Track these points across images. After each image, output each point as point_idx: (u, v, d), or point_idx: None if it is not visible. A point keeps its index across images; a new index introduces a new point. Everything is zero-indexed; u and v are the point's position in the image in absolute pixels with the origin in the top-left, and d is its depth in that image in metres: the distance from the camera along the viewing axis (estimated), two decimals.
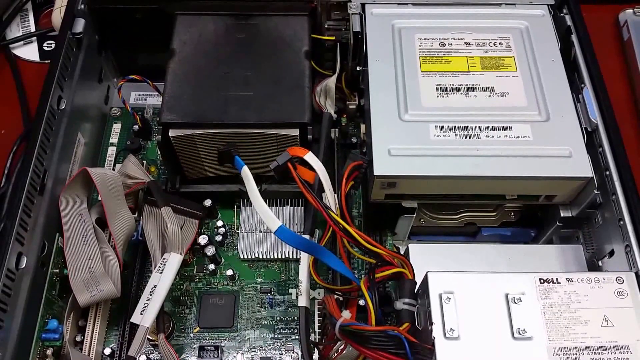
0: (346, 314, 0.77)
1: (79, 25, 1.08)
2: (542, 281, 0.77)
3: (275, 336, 1.02)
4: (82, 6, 1.10)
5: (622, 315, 0.76)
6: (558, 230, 1.01)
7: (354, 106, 1.20)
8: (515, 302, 0.75)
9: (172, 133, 0.97)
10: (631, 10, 1.40)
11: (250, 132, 0.97)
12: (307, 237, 0.94)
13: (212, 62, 1.03)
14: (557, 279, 0.77)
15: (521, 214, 1.06)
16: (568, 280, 0.77)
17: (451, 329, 0.73)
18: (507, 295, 0.76)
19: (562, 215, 0.98)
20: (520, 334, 0.74)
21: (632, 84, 1.33)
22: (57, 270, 0.97)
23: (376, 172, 0.91)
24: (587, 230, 0.98)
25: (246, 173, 0.86)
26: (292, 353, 1.00)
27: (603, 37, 1.39)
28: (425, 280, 0.78)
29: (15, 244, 0.86)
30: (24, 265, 0.87)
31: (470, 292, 0.76)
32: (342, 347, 0.87)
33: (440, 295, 0.76)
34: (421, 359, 0.73)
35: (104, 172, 0.99)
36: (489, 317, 0.75)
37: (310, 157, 0.88)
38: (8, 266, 0.84)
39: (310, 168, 0.89)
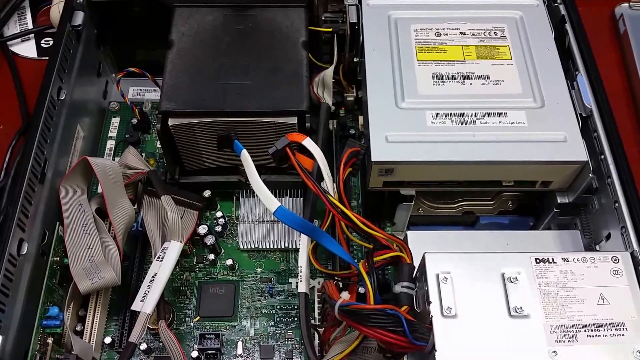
0: (345, 295, 0.77)
1: (78, 18, 1.09)
2: (538, 261, 0.78)
3: (276, 325, 1.03)
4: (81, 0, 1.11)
5: (617, 294, 0.76)
6: (555, 217, 1.01)
7: (351, 98, 1.21)
8: (512, 282, 0.76)
9: (171, 122, 0.98)
10: (627, 4, 1.41)
11: (248, 120, 0.98)
12: None
13: (210, 52, 1.04)
14: (553, 258, 0.78)
15: (519, 203, 1.07)
16: (564, 259, 0.78)
17: (448, 307, 0.74)
18: (503, 275, 0.77)
19: (559, 201, 0.99)
20: (517, 312, 0.74)
21: (628, 76, 1.34)
22: (58, 259, 0.98)
23: (374, 158, 0.92)
24: (584, 217, 0.98)
25: (245, 156, 0.87)
26: (292, 341, 1.01)
27: (599, 31, 1.41)
28: (422, 261, 0.79)
29: (17, 230, 0.87)
30: (25, 251, 0.88)
31: (467, 272, 0.77)
32: (339, 335, 0.88)
33: (437, 275, 0.77)
34: (419, 337, 0.73)
35: (104, 162, 1.00)
36: (486, 296, 0.76)
37: (308, 142, 0.88)
38: (10, 251, 0.85)
39: (309, 154, 0.89)
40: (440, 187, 1.00)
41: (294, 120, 0.98)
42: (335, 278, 0.91)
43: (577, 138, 0.93)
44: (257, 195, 0.84)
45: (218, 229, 1.10)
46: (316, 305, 1.02)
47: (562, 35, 1.06)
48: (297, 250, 1.08)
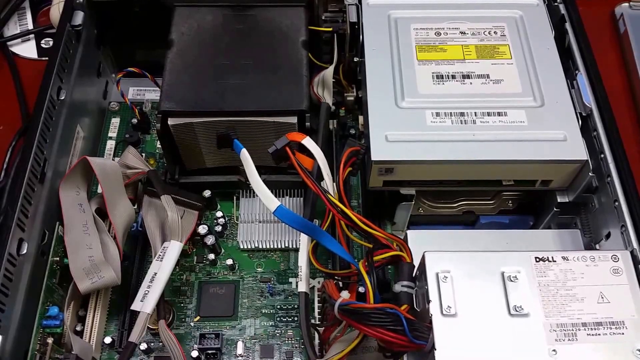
0: (345, 294, 0.77)
1: (78, 18, 1.09)
2: (537, 260, 0.78)
3: (276, 324, 1.03)
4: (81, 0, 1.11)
5: (617, 292, 0.76)
6: (556, 217, 1.01)
7: (352, 98, 1.21)
8: (512, 280, 0.76)
9: (171, 122, 0.98)
10: (627, 4, 1.41)
11: (248, 120, 0.98)
12: None
13: (210, 52, 1.04)
14: (552, 257, 0.78)
15: (519, 202, 1.07)
16: (564, 258, 0.78)
17: (448, 306, 0.74)
18: (503, 274, 0.77)
19: (559, 200, 0.99)
20: (516, 310, 0.74)
21: (628, 76, 1.34)
22: (58, 259, 0.98)
23: (373, 157, 0.92)
24: (584, 216, 0.99)
25: (245, 155, 0.87)
26: (292, 340, 1.01)
27: (599, 30, 1.41)
28: (422, 261, 0.79)
29: (17, 230, 0.87)
30: (25, 251, 0.88)
31: (467, 271, 0.77)
32: (339, 334, 0.88)
33: (437, 274, 0.76)
34: (419, 336, 0.73)
35: (104, 162, 1.00)
36: (486, 295, 0.76)
37: (308, 141, 0.88)
38: (10, 251, 0.85)
39: (309, 154, 0.89)
40: (440, 187, 1.00)
41: (293, 119, 0.98)
42: (335, 277, 0.91)
43: (577, 137, 0.93)
44: (257, 195, 0.84)
45: (218, 228, 1.10)
46: (316, 304, 1.02)
47: (562, 35, 1.06)
48: (297, 250, 1.07)
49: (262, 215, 1.08)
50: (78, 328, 0.98)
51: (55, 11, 1.29)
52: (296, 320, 1.03)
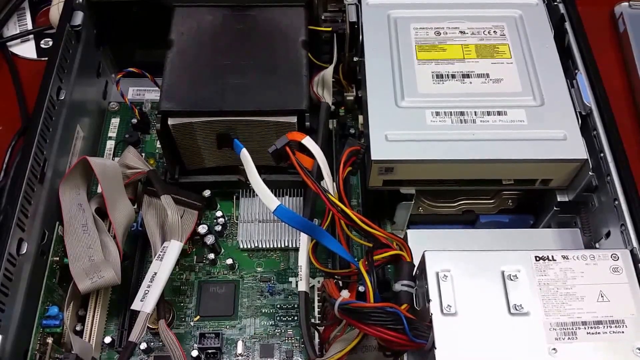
0: (345, 293, 0.77)
1: (78, 18, 1.09)
2: (537, 259, 0.78)
3: (276, 324, 1.03)
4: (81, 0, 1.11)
5: (617, 291, 0.76)
6: (556, 216, 1.01)
7: (351, 97, 1.21)
8: (512, 279, 0.76)
9: (170, 121, 0.98)
10: (626, 3, 1.41)
11: (248, 119, 0.98)
12: None
13: (210, 52, 1.04)
14: (552, 256, 0.78)
15: (519, 201, 1.07)
16: (564, 257, 0.78)
17: (448, 305, 0.74)
18: (503, 273, 0.77)
19: (558, 200, 0.99)
20: (516, 309, 0.74)
21: (628, 75, 1.34)
22: (57, 259, 0.98)
23: (373, 156, 0.92)
24: (584, 215, 0.98)
25: (245, 155, 0.87)
26: (292, 340, 1.01)
27: (599, 29, 1.41)
28: (422, 260, 0.79)
29: (17, 230, 0.87)
30: (25, 251, 0.88)
31: (467, 270, 0.77)
32: (339, 333, 0.88)
33: (437, 274, 0.76)
34: (419, 335, 0.73)
35: (103, 162, 1.00)
36: (486, 294, 0.76)
37: (308, 141, 0.88)
38: (9, 251, 0.85)
39: (309, 153, 0.89)
40: (440, 186, 1.00)
41: (293, 119, 0.98)
42: (335, 277, 0.91)
43: (577, 136, 0.94)
44: (257, 195, 0.84)
45: (218, 228, 1.10)
46: (316, 304, 1.02)
47: (561, 34, 1.06)
48: (297, 250, 1.07)
49: (262, 215, 1.08)
50: (78, 328, 0.98)
51: (55, 11, 1.29)
52: (296, 320, 1.03)
